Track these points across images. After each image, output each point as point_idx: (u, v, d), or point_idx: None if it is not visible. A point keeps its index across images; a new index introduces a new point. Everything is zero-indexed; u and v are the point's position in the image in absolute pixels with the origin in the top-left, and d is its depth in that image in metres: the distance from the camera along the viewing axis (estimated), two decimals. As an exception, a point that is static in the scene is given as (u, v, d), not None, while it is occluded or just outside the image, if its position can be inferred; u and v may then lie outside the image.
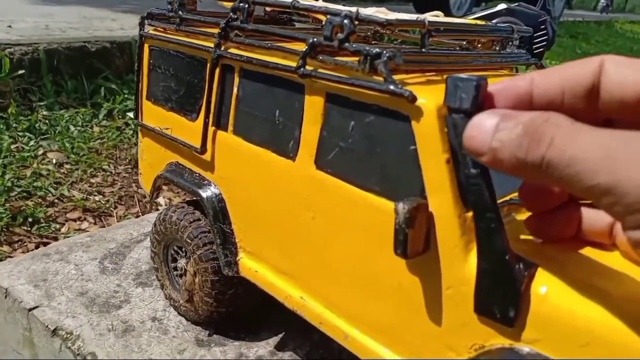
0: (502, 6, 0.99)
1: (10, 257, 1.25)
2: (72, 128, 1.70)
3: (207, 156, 0.57)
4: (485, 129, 0.30)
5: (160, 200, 1.58)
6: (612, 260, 0.34)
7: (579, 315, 0.32)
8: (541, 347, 0.33)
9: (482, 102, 0.33)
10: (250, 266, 0.54)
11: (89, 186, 1.54)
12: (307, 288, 0.49)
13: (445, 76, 0.44)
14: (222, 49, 0.53)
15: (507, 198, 0.42)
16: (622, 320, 0.30)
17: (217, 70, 0.54)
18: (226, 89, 0.54)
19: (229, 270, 0.55)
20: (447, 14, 3.26)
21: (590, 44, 4.03)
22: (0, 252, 1.24)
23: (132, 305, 0.63)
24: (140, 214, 1.48)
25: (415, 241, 0.37)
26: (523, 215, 0.40)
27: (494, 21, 1.02)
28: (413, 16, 0.45)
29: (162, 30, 0.61)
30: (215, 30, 0.54)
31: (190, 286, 0.58)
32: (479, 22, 0.53)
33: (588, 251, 0.36)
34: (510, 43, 0.53)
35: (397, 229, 0.37)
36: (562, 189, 0.36)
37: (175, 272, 0.62)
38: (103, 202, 1.47)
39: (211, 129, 0.56)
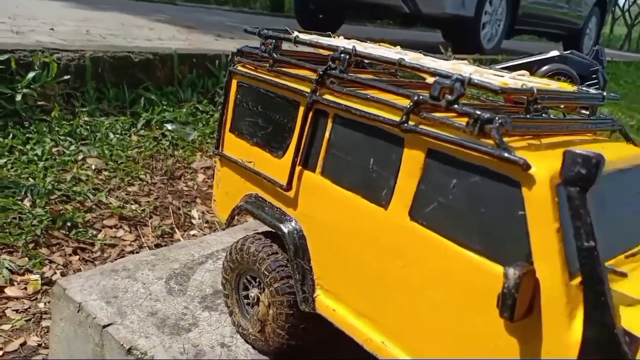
0: (554, 53, 1.01)
1: (49, 259, 1.27)
2: (111, 135, 1.73)
3: (291, 193, 0.59)
4: None
5: (194, 212, 1.60)
6: None
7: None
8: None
9: (599, 177, 0.35)
10: (327, 304, 0.56)
11: (126, 194, 1.57)
12: (389, 333, 0.51)
13: (544, 140, 0.46)
14: (318, 94, 0.55)
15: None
16: None
17: (310, 114, 0.56)
18: (317, 132, 0.56)
19: (305, 306, 0.57)
20: (478, 46, 3.30)
21: (620, 84, 4.06)
22: (39, 254, 1.26)
23: (201, 329, 0.65)
24: (174, 225, 1.50)
25: (521, 305, 0.39)
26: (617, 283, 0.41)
27: (545, 67, 1.05)
28: (519, 83, 0.48)
29: (251, 67, 0.64)
30: (308, 74, 0.57)
31: (263, 317, 0.60)
32: (570, 86, 0.55)
33: None
34: (597, 108, 0.55)
35: (505, 292, 0.38)
36: None
37: (245, 301, 0.64)
38: (139, 212, 1.50)
39: (298, 167, 0.58)
